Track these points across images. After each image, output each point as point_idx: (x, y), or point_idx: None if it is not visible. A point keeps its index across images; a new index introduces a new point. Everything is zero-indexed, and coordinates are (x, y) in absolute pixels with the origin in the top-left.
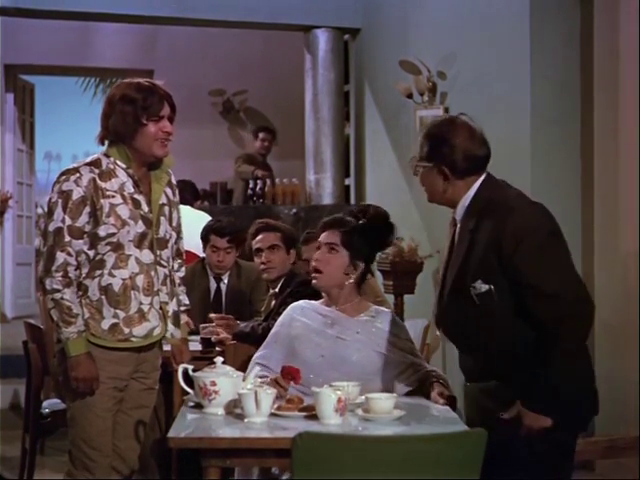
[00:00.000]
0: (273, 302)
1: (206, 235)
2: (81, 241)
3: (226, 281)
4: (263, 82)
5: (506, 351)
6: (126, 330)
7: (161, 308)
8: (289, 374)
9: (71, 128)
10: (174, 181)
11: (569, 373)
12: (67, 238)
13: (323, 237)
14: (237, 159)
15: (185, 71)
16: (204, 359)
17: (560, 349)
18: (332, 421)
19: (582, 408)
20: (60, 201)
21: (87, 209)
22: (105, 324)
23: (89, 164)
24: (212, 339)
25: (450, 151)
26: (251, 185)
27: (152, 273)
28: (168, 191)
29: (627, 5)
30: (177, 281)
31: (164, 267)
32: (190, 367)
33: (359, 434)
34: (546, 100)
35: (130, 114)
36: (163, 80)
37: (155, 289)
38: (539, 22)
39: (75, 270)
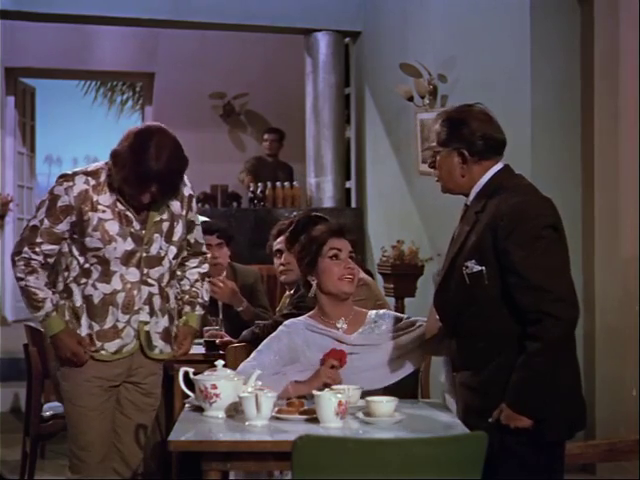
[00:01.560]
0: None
1: None
2: (54, 246)
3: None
4: (264, 85)
5: (486, 338)
6: (98, 343)
7: (138, 327)
8: (337, 357)
9: (71, 131)
10: (187, 192)
11: (547, 372)
12: (39, 239)
13: (342, 245)
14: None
15: (186, 74)
16: (205, 362)
17: (539, 345)
18: (333, 424)
19: (565, 413)
20: (47, 202)
21: (70, 218)
22: (81, 332)
23: (87, 173)
24: (216, 342)
25: (469, 132)
26: (252, 188)
27: (135, 292)
28: (174, 204)
29: (627, 7)
30: (195, 277)
31: (150, 286)
32: (191, 370)
33: (360, 437)
34: (547, 103)
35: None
36: (165, 82)
37: (135, 308)
38: (540, 25)
39: (40, 264)
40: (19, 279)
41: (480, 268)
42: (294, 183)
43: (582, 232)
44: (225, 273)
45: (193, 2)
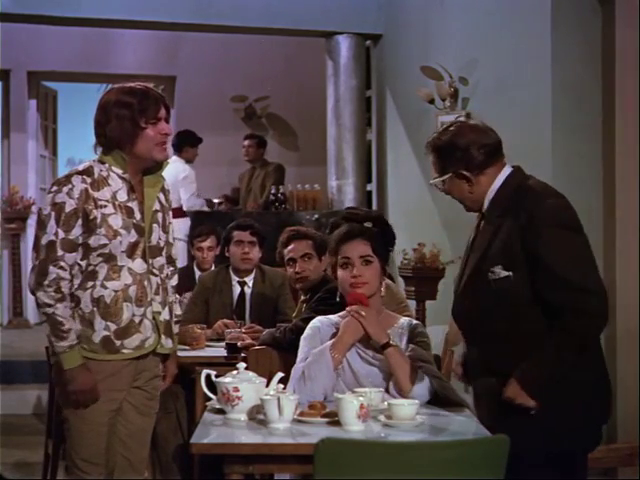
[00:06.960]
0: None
1: (228, 234)
2: (74, 254)
3: (250, 284)
4: (285, 88)
5: (512, 343)
6: (117, 342)
7: (154, 318)
8: (356, 300)
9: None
10: (167, 186)
11: (566, 362)
12: (60, 252)
13: (350, 251)
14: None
15: (207, 77)
16: (227, 364)
17: (566, 336)
18: (354, 427)
19: (588, 412)
20: (53, 214)
21: (79, 221)
22: (96, 337)
23: (80, 173)
24: (238, 344)
25: (461, 153)
26: (273, 191)
27: (145, 283)
28: (161, 196)
29: None
30: (170, 290)
31: (156, 276)
32: (213, 372)
33: (381, 440)
34: (567, 106)
35: (127, 119)
36: (186, 85)
37: (148, 299)
38: (560, 26)
39: (68, 283)
40: (46, 305)
41: (507, 274)
42: (315, 186)
43: (604, 235)
44: (253, 278)
45: (214, 5)
